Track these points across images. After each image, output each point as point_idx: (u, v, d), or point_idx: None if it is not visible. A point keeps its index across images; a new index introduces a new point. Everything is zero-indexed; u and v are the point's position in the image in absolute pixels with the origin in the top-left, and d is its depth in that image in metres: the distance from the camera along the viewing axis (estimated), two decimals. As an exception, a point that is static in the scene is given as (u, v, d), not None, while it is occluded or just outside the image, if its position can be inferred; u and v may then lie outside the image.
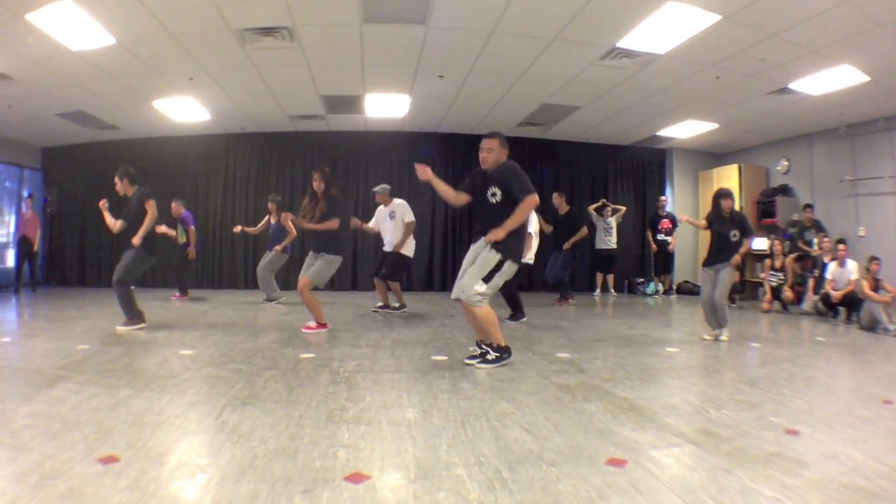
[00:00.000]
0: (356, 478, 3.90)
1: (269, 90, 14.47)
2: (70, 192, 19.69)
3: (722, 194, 10.20)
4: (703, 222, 10.54)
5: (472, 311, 7.46)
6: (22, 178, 19.04)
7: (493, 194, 7.41)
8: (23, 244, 16.99)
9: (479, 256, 7.41)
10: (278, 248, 14.31)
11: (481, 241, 7.46)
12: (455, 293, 7.60)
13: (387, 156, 19.42)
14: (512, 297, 11.57)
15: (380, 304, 13.14)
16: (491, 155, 7.49)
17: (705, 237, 10.92)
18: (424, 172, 7.74)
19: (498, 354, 7.55)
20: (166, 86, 13.81)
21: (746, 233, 10.04)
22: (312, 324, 10.17)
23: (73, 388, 6.02)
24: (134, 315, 10.05)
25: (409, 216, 12.80)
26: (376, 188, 13.23)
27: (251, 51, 11.59)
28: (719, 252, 10.08)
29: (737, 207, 11.20)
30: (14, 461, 4.02)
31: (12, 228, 18.65)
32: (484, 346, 7.66)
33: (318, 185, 10.08)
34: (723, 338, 9.88)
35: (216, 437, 4.69)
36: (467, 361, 7.62)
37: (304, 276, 9.98)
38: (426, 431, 4.88)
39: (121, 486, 3.66)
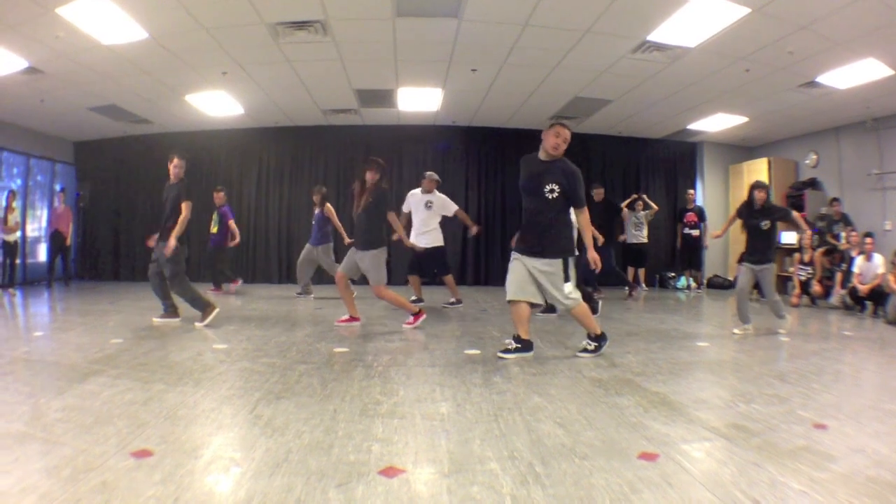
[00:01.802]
0: (390, 472, 3.92)
1: (303, 84, 14.50)
2: (103, 187, 19.76)
3: (755, 185, 10.20)
4: (732, 214, 10.61)
5: (573, 311, 7.74)
6: (54, 172, 19.15)
7: (552, 190, 7.49)
8: (55, 238, 17.14)
9: (549, 276, 7.57)
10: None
11: (542, 261, 7.61)
12: (559, 307, 7.89)
13: (420, 149, 19.43)
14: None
15: (413, 298, 13.05)
16: (564, 146, 7.58)
17: (737, 233, 10.89)
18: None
19: (596, 344, 7.89)
20: (199, 80, 13.87)
21: (782, 216, 10.12)
22: (344, 316, 10.26)
23: (107, 382, 6.07)
24: (200, 307, 10.14)
25: (449, 208, 12.97)
26: (428, 172, 13.26)
27: (284, 45, 11.61)
28: (752, 243, 10.14)
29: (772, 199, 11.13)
30: (47, 455, 4.05)
31: (45, 223, 18.74)
32: (520, 341, 7.79)
33: (371, 175, 10.01)
34: (781, 330, 10.08)
35: (250, 430, 4.72)
36: (500, 354, 7.70)
37: (374, 285, 9.99)
38: (459, 425, 4.91)
39: (154, 480, 3.68)
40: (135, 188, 18.92)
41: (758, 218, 9.98)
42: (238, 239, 15.93)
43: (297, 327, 10.11)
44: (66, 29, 10.33)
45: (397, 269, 16.40)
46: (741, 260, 10.46)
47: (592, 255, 7.62)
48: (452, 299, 13.18)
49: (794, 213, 10.43)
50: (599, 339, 7.89)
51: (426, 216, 12.83)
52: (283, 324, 10.47)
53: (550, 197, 7.49)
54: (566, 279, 7.54)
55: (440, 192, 13.14)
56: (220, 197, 15.97)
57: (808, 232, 11.91)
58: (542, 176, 7.57)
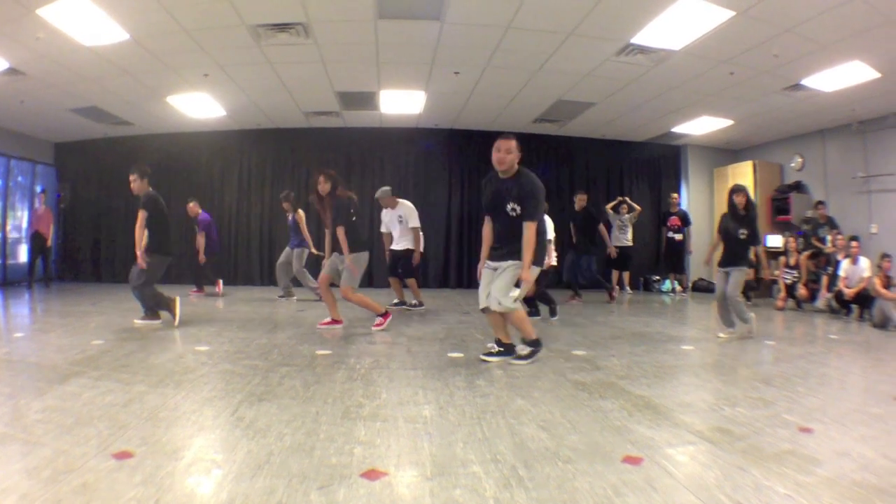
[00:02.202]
0: (372, 474, 3.90)
1: (284, 86, 14.48)
2: (83, 188, 19.79)
3: (734, 189, 10.24)
4: (715, 237, 10.59)
5: (507, 316, 7.59)
6: (34, 173, 19.10)
7: (514, 209, 7.39)
8: (36, 240, 17.06)
9: (505, 271, 7.46)
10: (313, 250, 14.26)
11: (505, 262, 7.52)
12: (489, 305, 7.62)
13: (402, 152, 19.45)
14: (543, 296, 11.66)
15: (395, 301, 13.19)
16: (510, 156, 7.41)
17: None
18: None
19: (532, 349, 7.73)
20: (181, 82, 13.82)
21: (753, 238, 10.08)
22: (327, 319, 10.27)
23: (87, 384, 6.04)
24: (164, 307, 10.23)
25: (414, 221, 12.82)
26: (377, 193, 13.18)
27: (266, 47, 11.59)
28: (728, 249, 10.15)
29: (755, 201, 11.09)
30: (26, 456, 4.03)
31: (25, 224, 18.70)
32: (502, 345, 7.79)
33: (322, 187, 10.02)
34: (747, 331, 10.03)
35: (232, 432, 4.69)
36: (483, 357, 7.70)
37: (343, 286, 9.98)
38: (442, 428, 4.89)
39: (135, 482, 3.66)
40: (116, 190, 18.83)
41: (737, 226, 10.01)
42: (201, 255, 15.72)
43: (279, 330, 10.08)
44: (46, 30, 10.29)
45: (379, 273, 16.42)
46: (718, 264, 10.47)
47: (525, 276, 7.40)
48: (414, 301, 13.23)
49: (761, 248, 10.42)
50: (535, 344, 7.80)
51: (401, 229, 12.90)
52: (265, 326, 10.43)
53: (514, 215, 7.40)
54: (517, 285, 7.44)
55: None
56: (191, 208, 15.94)
57: (766, 269, 11.86)
58: (501, 194, 7.49)
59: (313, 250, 14.04)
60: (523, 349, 7.74)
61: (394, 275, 13.22)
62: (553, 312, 11.79)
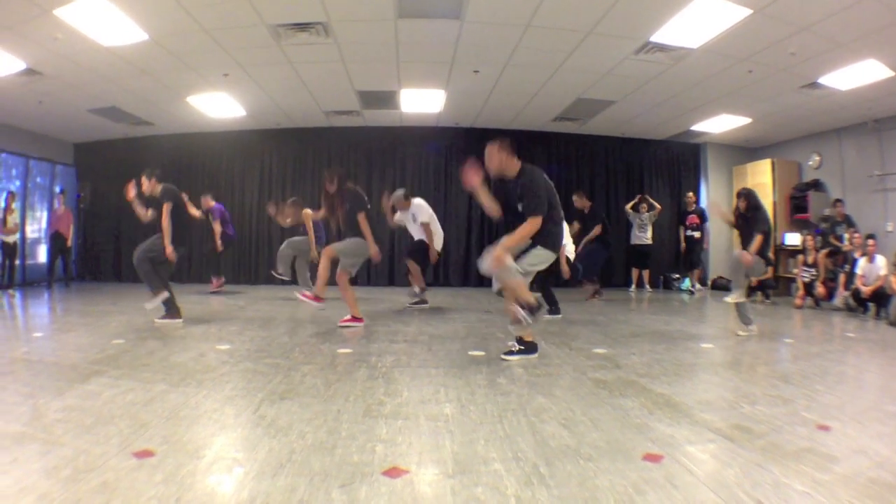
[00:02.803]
0: (394, 472, 3.90)
1: (305, 86, 14.50)
2: (103, 188, 19.69)
3: (737, 194, 10.49)
4: (731, 219, 10.61)
5: (504, 283, 7.58)
6: (54, 173, 19.21)
7: (527, 206, 7.47)
8: (56, 240, 17.22)
9: (528, 252, 7.50)
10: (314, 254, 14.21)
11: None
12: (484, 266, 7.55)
13: (422, 151, 19.50)
14: (544, 292, 11.50)
15: (416, 294, 13.20)
16: (493, 163, 7.69)
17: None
18: (472, 178, 7.77)
19: (530, 312, 7.48)
20: (201, 82, 13.86)
21: (766, 234, 10.06)
22: (347, 316, 10.23)
23: (108, 383, 6.04)
24: (152, 286, 10.25)
25: (424, 216, 12.86)
26: (392, 199, 13.26)
27: (286, 46, 11.62)
28: (744, 247, 10.15)
29: (769, 203, 11.11)
30: (46, 455, 4.03)
31: (44, 224, 18.81)
32: (523, 343, 7.81)
33: (330, 186, 10.14)
34: (727, 299, 10.15)
35: (253, 431, 4.70)
36: (504, 357, 7.67)
37: (340, 269, 9.99)
38: (464, 426, 4.89)
39: (156, 481, 3.66)
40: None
41: (746, 225, 10.16)
42: (217, 241, 15.85)
43: (300, 328, 10.09)
44: (64, 30, 10.33)
45: (400, 270, 16.44)
46: None
47: (499, 253, 7.34)
48: (417, 289, 13.29)
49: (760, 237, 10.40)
50: (532, 310, 7.49)
51: (416, 227, 13.01)
52: (286, 325, 10.46)
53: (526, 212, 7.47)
54: (529, 260, 7.48)
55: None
56: (205, 202, 16.02)
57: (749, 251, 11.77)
58: (510, 195, 7.70)
59: (313, 252, 14.01)
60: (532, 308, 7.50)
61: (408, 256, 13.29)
62: (538, 309, 11.66)
